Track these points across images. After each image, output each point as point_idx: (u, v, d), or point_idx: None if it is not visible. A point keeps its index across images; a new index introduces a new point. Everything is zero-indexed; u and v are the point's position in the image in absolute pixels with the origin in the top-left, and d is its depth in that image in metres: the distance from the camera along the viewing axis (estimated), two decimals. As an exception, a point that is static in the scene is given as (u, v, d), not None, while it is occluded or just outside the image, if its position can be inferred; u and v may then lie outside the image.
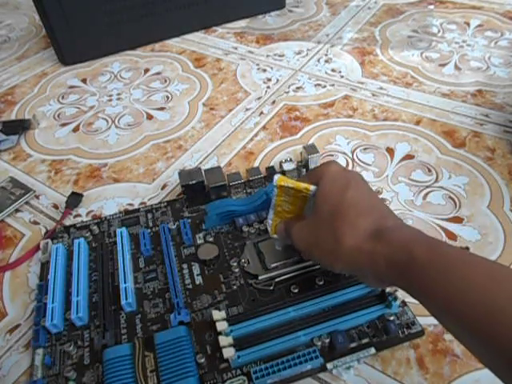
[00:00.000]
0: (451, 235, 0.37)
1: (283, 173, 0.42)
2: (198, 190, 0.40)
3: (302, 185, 0.28)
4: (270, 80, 0.58)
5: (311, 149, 0.42)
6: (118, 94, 0.57)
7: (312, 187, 0.28)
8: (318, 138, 0.48)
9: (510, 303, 0.19)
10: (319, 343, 0.29)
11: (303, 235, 0.29)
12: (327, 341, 0.29)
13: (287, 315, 0.30)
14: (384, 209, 0.27)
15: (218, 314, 0.30)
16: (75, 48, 0.62)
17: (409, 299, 0.31)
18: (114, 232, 0.38)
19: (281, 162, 0.42)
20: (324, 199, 0.27)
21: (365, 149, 0.46)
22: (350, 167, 0.44)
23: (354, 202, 0.26)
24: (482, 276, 0.20)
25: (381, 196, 0.41)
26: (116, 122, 0.52)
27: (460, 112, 0.51)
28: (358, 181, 0.28)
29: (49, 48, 0.67)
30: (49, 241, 0.37)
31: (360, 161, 0.45)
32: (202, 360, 0.28)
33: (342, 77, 0.58)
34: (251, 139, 0.49)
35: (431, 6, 0.75)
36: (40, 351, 0.30)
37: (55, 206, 0.42)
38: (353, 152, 0.46)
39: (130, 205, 0.42)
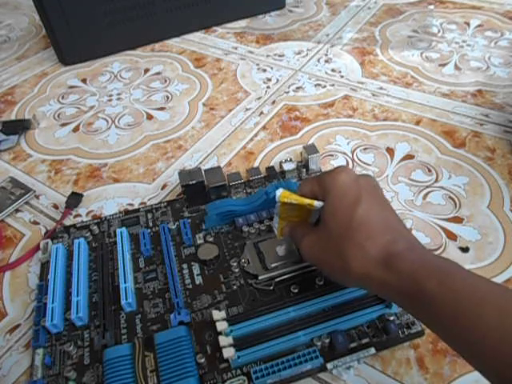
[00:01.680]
0: (451, 235, 0.37)
1: (283, 173, 0.42)
2: (197, 190, 0.40)
3: (306, 201, 0.27)
4: (270, 80, 0.58)
5: (311, 149, 0.42)
6: (118, 94, 0.57)
7: (316, 203, 0.27)
8: (318, 138, 0.48)
9: None
10: (319, 343, 0.29)
11: (313, 252, 0.28)
12: (327, 341, 0.29)
13: (287, 315, 0.30)
14: (396, 227, 0.26)
15: (217, 314, 0.30)
16: (75, 48, 0.62)
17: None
18: (114, 232, 0.38)
19: (281, 162, 0.42)
20: (333, 217, 0.26)
21: (365, 149, 0.46)
22: (349, 167, 0.44)
23: (364, 220, 0.25)
24: (493, 312, 0.20)
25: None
26: (116, 121, 0.52)
27: (460, 112, 0.51)
28: (370, 193, 0.26)
29: (49, 48, 0.67)
30: (49, 241, 0.37)
31: (360, 161, 0.45)
32: (202, 360, 0.28)
33: (342, 77, 0.58)
34: (251, 139, 0.49)
35: (431, 6, 0.75)
36: (40, 351, 0.30)
37: (55, 206, 0.42)
38: (353, 152, 0.46)
39: (130, 205, 0.42)
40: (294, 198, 0.28)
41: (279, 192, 0.28)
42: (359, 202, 0.25)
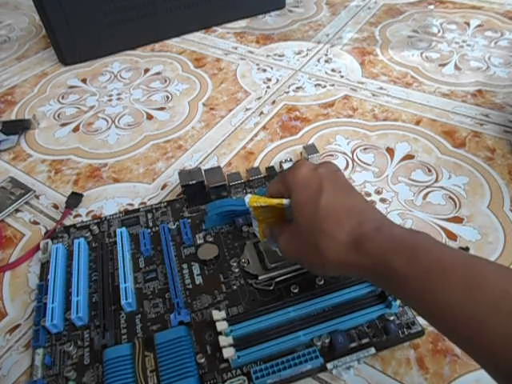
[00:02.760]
0: (451, 235, 0.37)
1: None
2: (197, 190, 0.40)
3: (275, 201, 0.28)
4: (270, 80, 0.58)
5: (311, 149, 0.42)
6: (118, 94, 0.57)
7: (285, 201, 0.28)
8: (318, 138, 0.48)
9: (487, 312, 0.19)
10: (319, 343, 0.29)
11: (290, 248, 0.28)
12: (327, 341, 0.29)
13: (287, 315, 0.30)
14: (361, 210, 0.26)
15: (217, 314, 0.30)
16: (75, 48, 0.62)
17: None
18: (114, 232, 0.38)
19: (281, 162, 0.42)
20: (300, 212, 0.26)
21: (365, 149, 0.46)
22: (350, 167, 0.44)
23: (329, 209, 0.25)
24: (460, 286, 0.20)
25: (381, 196, 0.41)
26: (116, 122, 0.52)
27: (460, 112, 0.51)
28: (331, 180, 0.26)
29: (49, 48, 0.67)
30: (49, 241, 0.37)
31: (360, 161, 0.45)
32: (202, 360, 0.28)
33: (342, 77, 0.58)
34: (251, 139, 0.49)
35: (431, 6, 0.75)
36: (40, 351, 0.30)
37: (55, 206, 0.42)
38: (353, 152, 0.46)
39: (130, 205, 0.42)
40: (263, 201, 0.28)
41: (247, 198, 0.28)
42: (321, 191, 0.25)
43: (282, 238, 0.28)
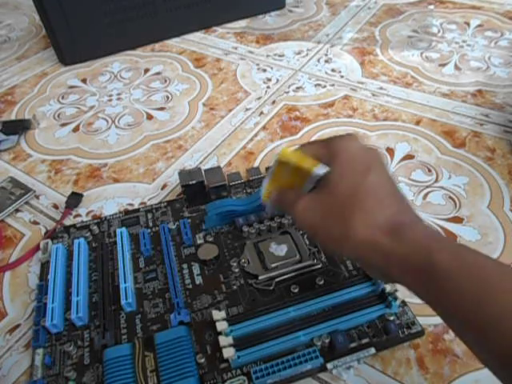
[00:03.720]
0: (451, 235, 0.37)
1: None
2: (197, 190, 0.40)
3: (308, 163, 0.25)
4: (270, 80, 0.58)
5: (311, 149, 0.42)
6: (118, 94, 0.57)
7: (320, 168, 0.25)
8: (318, 137, 0.48)
9: None
10: (319, 343, 0.29)
11: (308, 214, 0.25)
12: (327, 341, 0.29)
13: (287, 315, 0.30)
14: (404, 201, 0.24)
15: (218, 314, 0.30)
16: (75, 48, 0.62)
17: (409, 299, 0.31)
18: (114, 232, 0.38)
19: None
20: (339, 181, 0.24)
21: (365, 149, 0.46)
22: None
23: (374, 188, 0.24)
24: (510, 292, 0.18)
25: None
26: (116, 122, 0.52)
27: (460, 112, 0.51)
28: (379, 164, 0.25)
29: (49, 48, 0.67)
30: (49, 241, 0.37)
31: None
32: (202, 360, 0.28)
33: (342, 77, 0.58)
34: (251, 139, 0.49)
35: (431, 6, 0.75)
36: (40, 351, 0.30)
37: (55, 206, 0.42)
38: (353, 152, 0.46)
39: (130, 205, 0.42)
40: (295, 159, 0.26)
41: (281, 150, 0.26)
42: (369, 170, 0.24)
43: (300, 204, 0.26)
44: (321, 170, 0.25)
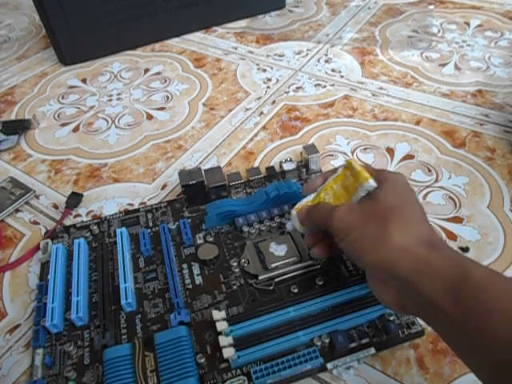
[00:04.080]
0: (451, 235, 0.37)
1: (283, 173, 0.42)
2: (198, 190, 0.40)
3: (366, 174, 0.27)
4: (270, 80, 0.58)
5: (311, 149, 0.42)
6: (118, 94, 0.57)
7: (371, 181, 0.27)
8: (318, 138, 0.48)
9: None
10: (319, 343, 0.29)
11: (349, 217, 0.27)
12: (327, 341, 0.29)
13: (287, 315, 0.30)
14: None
15: (217, 314, 0.30)
16: (75, 48, 0.62)
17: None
18: (114, 232, 0.38)
19: (281, 162, 0.42)
20: (385, 194, 0.26)
21: (365, 149, 0.46)
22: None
23: (414, 209, 0.26)
24: None
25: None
26: (116, 122, 0.52)
27: (460, 112, 0.51)
28: (417, 199, 0.28)
29: (49, 48, 0.67)
30: (49, 241, 0.37)
31: (360, 161, 0.45)
32: (202, 360, 0.28)
33: (342, 77, 0.58)
34: (251, 139, 0.49)
35: (431, 6, 0.75)
36: (40, 351, 0.30)
37: (55, 206, 0.42)
38: (353, 152, 0.46)
39: (130, 205, 0.42)
40: (359, 167, 0.28)
41: (349, 158, 0.28)
42: (411, 197, 0.27)
43: (342, 208, 0.27)
44: (374, 183, 0.27)
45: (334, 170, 0.31)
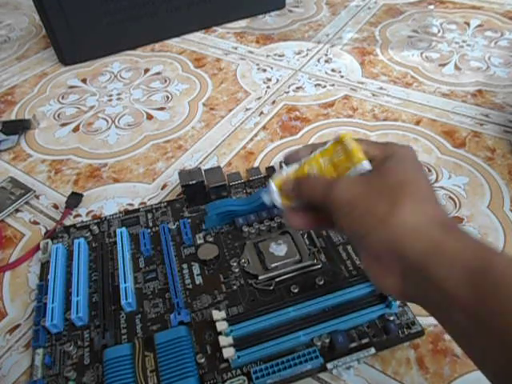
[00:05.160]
0: (451, 235, 0.37)
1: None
2: (197, 190, 0.40)
3: (359, 155, 0.24)
4: (270, 80, 0.58)
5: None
6: (118, 94, 0.57)
7: (365, 163, 0.24)
8: (318, 138, 0.48)
9: None
10: (319, 343, 0.29)
11: (353, 187, 0.23)
12: (327, 341, 0.29)
13: (287, 315, 0.30)
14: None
15: (217, 314, 0.30)
16: (75, 48, 0.62)
17: (409, 299, 0.31)
18: (114, 232, 0.38)
19: (281, 162, 0.42)
20: (399, 164, 0.23)
21: (365, 149, 0.46)
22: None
23: (429, 186, 0.23)
24: None
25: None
26: (116, 121, 0.52)
27: (460, 112, 0.51)
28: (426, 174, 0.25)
29: (49, 48, 0.67)
30: (49, 241, 0.37)
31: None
32: (202, 360, 0.28)
33: (342, 77, 0.58)
34: (251, 139, 0.49)
35: (431, 6, 0.75)
36: (40, 351, 0.30)
37: (55, 206, 0.42)
38: (353, 152, 0.46)
39: (130, 205, 0.42)
40: (354, 145, 0.25)
41: (344, 132, 0.25)
42: (423, 170, 0.24)
43: (346, 180, 0.24)
44: (368, 165, 0.24)
45: (324, 143, 0.27)
